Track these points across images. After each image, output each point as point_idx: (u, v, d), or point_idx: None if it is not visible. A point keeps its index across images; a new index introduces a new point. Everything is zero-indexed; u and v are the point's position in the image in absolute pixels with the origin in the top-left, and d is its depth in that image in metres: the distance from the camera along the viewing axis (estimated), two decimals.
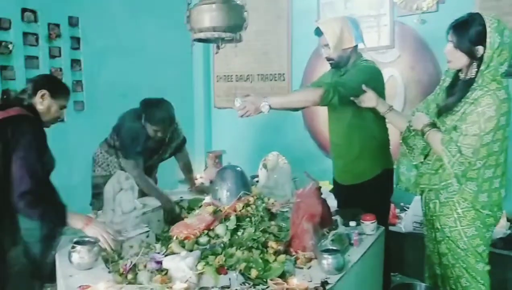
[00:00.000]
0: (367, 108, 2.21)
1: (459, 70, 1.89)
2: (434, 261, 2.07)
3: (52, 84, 1.99)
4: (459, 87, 1.87)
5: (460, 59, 1.83)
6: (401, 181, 2.12)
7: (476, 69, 1.80)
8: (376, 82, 2.27)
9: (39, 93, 1.91)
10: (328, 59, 2.33)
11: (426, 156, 1.98)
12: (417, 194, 2.12)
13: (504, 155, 1.85)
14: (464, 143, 1.77)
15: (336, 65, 2.35)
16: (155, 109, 2.58)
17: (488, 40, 1.74)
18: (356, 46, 2.31)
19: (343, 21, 2.27)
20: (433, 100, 2.03)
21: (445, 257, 1.96)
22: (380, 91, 2.27)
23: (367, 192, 2.32)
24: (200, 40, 2.17)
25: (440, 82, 2.04)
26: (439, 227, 1.95)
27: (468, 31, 1.78)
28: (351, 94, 2.15)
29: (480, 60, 1.78)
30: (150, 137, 2.63)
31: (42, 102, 1.92)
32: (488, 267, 1.91)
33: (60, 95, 1.98)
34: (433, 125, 1.91)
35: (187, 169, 2.99)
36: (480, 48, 1.77)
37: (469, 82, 1.83)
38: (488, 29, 1.74)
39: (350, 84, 2.15)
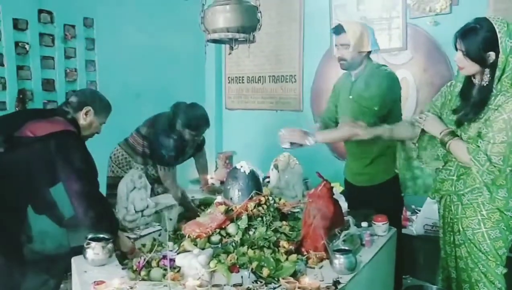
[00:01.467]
0: (384, 113, 2.25)
1: (472, 75, 1.85)
2: (449, 264, 2.03)
3: (98, 102, 2.05)
4: (477, 95, 1.83)
5: (472, 67, 1.80)
6: (408, 187, 2.15)
7: (489, 75, 1.77)
8: (398, 90, 2.34)
9: (84, 110, 1.97)
10: (341, 59, 2.34)
11: (445, 162, 1.95)
12: (435, 199, 2.08)
13: None
14: (493, 152, 1.73)
15: (348, 67, 2.36)
16: (192, 114, 2.61)
17: (500, 45, 1.71)
18: (369, 52, 2.33)
19: (363, 25, 2.33)
20: (443, 104, 1.99)
21: (463, 261, 1.93)
22: (399, 98, 2.34)
23: (383, 194, 2.31)
24: (214, 40, 2.18)
25: (450, 86, 1.99)
26: (461, 229, 1.91)
27: (477, 38, 1.74)
28: (386, 110, 2.25)
29: (492, 65, 1.75)
30: (185, 141, 2.65)
31: (86, 118, 1.98)
32: (505, 270, 1.89)
33: (103, 113, 2.06)
34: (452, 133, 1.86)
35: (203, 168, 3.01)
36: (492, 54, 1.73)
37: (487, 89, 1.79)
38: (499, 34, 1.71)
39: (381, 99, 2.23)
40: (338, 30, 2.31)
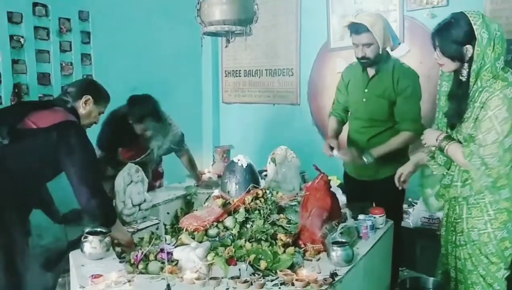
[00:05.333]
0: (391, 107, 2.28)
1: (459, 73, 1.78)
2: (450, 262, 1.98)
3: (96, 90, 2.05)
4: (459, 92, 1.77)
5: (451, 63, 1.74)
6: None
7: (468, 70, 1.71)
8: (420, 88, 2.35)
9: (84, 98, 1.97)
10: (364, 58, 2.27)
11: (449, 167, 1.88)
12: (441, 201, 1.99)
13: None
14: (486, 154, 1.66)
15: (370, 64, 2.32)
16: (138, 107, 2.58)
17: (476, 38, 1.65)
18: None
19: (383, 19, 2.25)
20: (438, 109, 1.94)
21: (461, 262, 1.87)
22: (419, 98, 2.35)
23: (386, 188, 2.31)
24: (210, 33, 2.18)
25: (438, 87, 1.93)
26: (465, 230, 1.83)
27: (451, 33, 1.69)
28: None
29: (471, 60, 1.68)
30: (135, 134, 2.63)
31: (85, 107, 1.98)
32: (508, 273, 1.82)
33: (102, 102, 2.06)
34: (448, 137, 1.80)
35: (191, 165, 3.00)
36: (469, 48, 1.67)
37: (466, 84, 1.74)
38: (474, 27, 1.64)
39: (416, 105, 2.27)
40: (360, 29, 2.19)
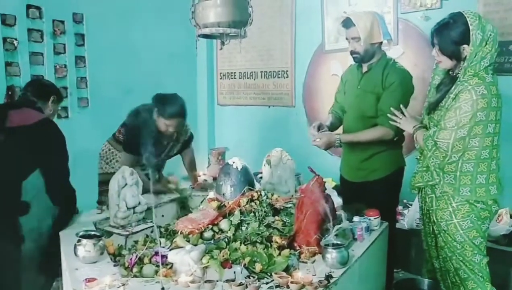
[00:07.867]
0: (387, 108, 2.25)
1: (452, 70, 1.92)
2: (432, 255, 2.10)
3: (58, 91, 2.20)
4: (445, 84, 1.92)
5: (448, 61, 1.88)
6: None
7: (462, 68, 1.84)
8: (411, 88, 2.34)
9: (52, 98, 2.08)
10: (353, 52, 2.33)
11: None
12: (415, 192, 2.14)
13: (492, 152, 1.83)
14: (439, 138, 1.82)
15: (361, 60, 2.36)
16: (168, 103, 2.57)
17: (471, 38, 1.76)
18: (381, 43, 2.32)
19: (373, 15, 2.29)
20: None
21: (443, 250, 1.98)
22: (408, 99, 2.34)
23: (380, 189, 2.33)
24: (205, 36, 2.17)
25: (430, 80, 2.07)
26: (435, 220, 1.98)
27: (450, 33, 1.81)
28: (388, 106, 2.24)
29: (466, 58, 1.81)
30: (160, 132, 2.61)
31: (52, 107, 2.09)
32: (486, 259, 1.92)
33: (60, 101, 2.21)
34: (423, 128, 1.97)
35: (191, 166, 2.99)
36: (466, 47, 1.79)
37: (454, 78, 1.87)
38: (470, 27, 1.76)
39: (399, 102, 2.21)
40: (348, 23, 2.28)
